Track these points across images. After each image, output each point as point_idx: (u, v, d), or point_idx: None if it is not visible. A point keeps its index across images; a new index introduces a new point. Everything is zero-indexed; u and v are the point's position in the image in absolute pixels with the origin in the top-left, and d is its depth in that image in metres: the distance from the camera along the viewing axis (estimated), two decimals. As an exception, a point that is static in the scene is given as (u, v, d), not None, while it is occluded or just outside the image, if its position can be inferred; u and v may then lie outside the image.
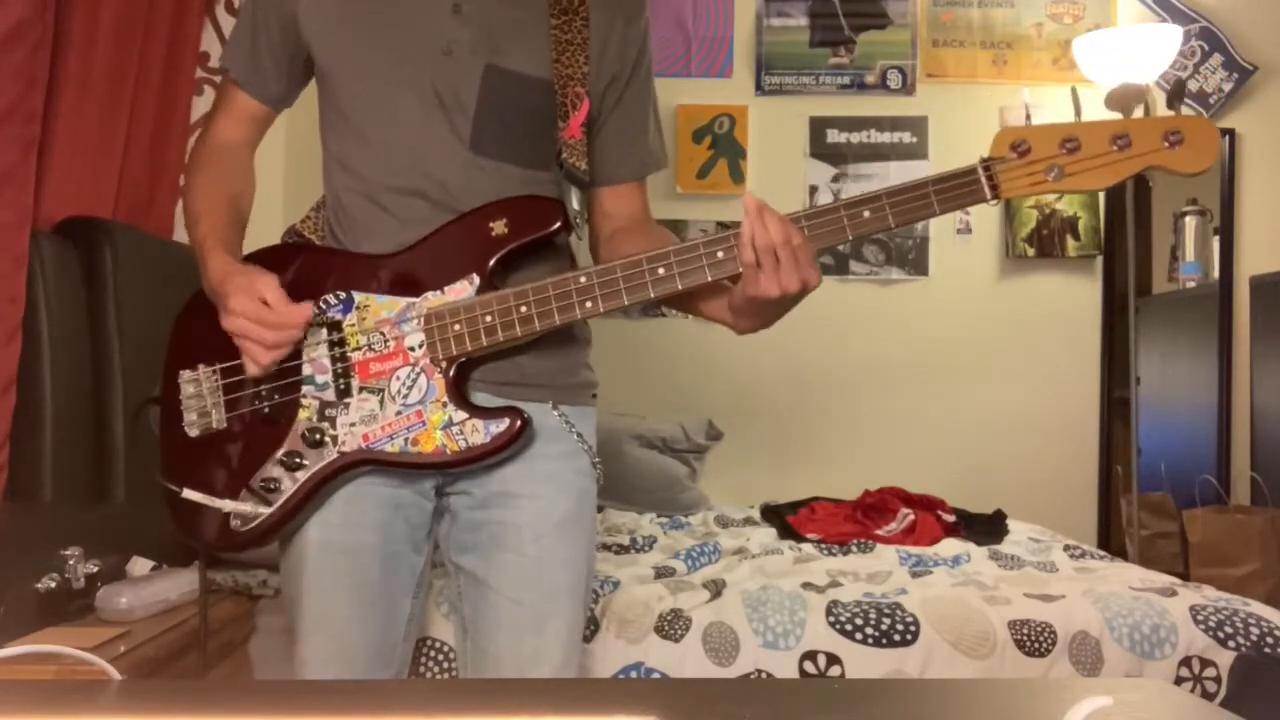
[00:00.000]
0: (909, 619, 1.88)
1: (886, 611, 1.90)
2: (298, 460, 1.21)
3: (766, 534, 2.77)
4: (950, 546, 2.56)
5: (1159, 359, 3.62)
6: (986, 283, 3.51)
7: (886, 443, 3.46)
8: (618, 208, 1.37)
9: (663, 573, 2.21)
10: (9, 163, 1.64)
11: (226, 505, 1.21)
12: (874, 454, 3.43)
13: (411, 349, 1.21)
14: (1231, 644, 1.86)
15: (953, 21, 3.52)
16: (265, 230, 1.38)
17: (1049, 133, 1.13)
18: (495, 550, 1.28)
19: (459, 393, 1.21)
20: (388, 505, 1.26)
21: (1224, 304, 3.44)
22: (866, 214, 1.14)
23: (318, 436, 1.21)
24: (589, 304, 1.18)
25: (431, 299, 1.22)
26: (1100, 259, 3.50)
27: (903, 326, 3.49)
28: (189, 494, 1.22)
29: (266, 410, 1.22)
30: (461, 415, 1.20)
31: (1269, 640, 1.86)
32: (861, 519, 2.89)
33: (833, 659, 1.85)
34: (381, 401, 1.21)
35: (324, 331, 1.22)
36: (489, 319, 1.19)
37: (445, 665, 1.82)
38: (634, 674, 1.83)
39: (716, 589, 2.03)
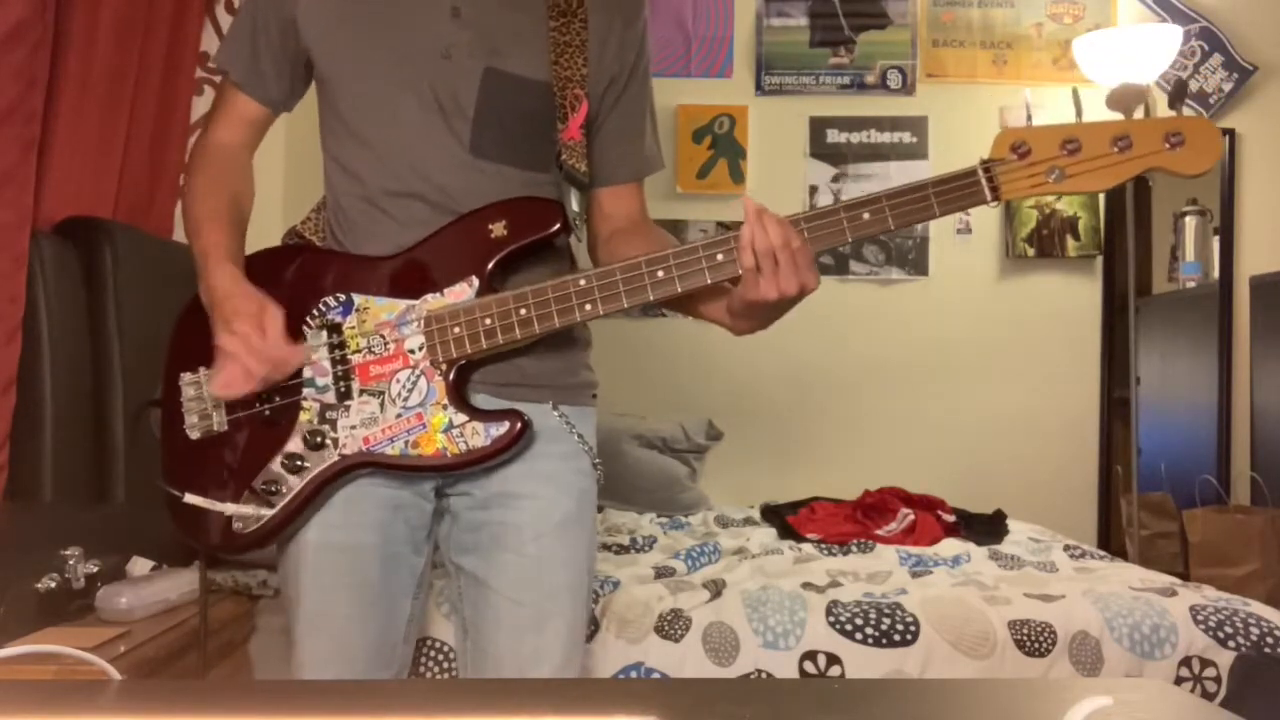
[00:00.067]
0: (909, 619, 1.88)
1: (886, 611, 1.90)
2: (299, 463, 1.21)
3: (766, 534, 2.77)
4: (950, 546, 2.56)
5: (1159, 359, 3.63)
6: (986, 283, 3.51)
7: (886, 443, 3.46)
8: (616, 209, 1.37)
9: (663, 573, 2.21)
10: (9, 163, 1.64)
11: (228, 508, 1.21)
12: (874, 454, 3.43)
13: (411, 351, 1.21)
14: (1231, 644, 1.86)
15: (953, 21, 3.52)
16: (265, 232, 1.38)
17: (1049, 134, 1.13)
18: (496, 550, 1.28)
19: (459, 395, 1.21)
20: (387, 506, 1.26)
21: (1224, 304, 3.44)
22: (866, 216, 1.14)
23: (318, 439, 1.21)
24: (588, 306, 1.18)
25: (431, 301, 1.22)
26: (1100, 259, 3.50)
27: (903, 326, 3.49)
28: (190, 498, 1.22)
29: (267, 413, 1.22)
30: (462, 418, 1.20)
31: (1269, 640, 1.87)
32: (861, 519, 2.89)
33: (833, 659, 1.85)
34: (382, 404, 1.21)
35: (324, 334, 1.22)
36: (489, 321, 1.19)
37: (445, 665, 1.82)
38: (634, 674, 1.83)
39: (716, 589, 2.03)
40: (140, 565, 1.86)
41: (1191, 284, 3.57)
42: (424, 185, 1.25)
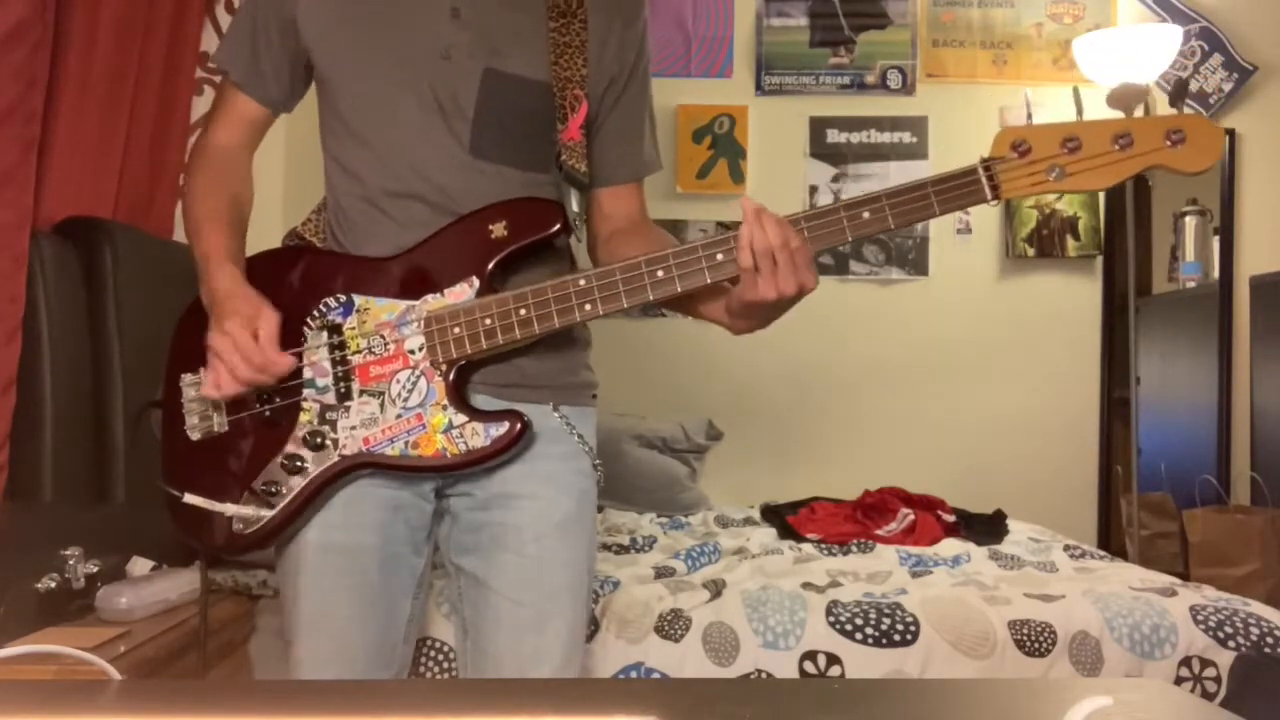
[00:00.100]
0: (909, 619, 1.88)
1: (886, 611, 1.90)
2: (299, 463, 1.21)
3: (766, 534, 2.77)
4: (950, 546, 2.56)
5: (1159, 359, 3.62)
6: (986, 283, 3.51)
7: (886, 443, 3.46)
8: (616, 209, 1.37)
9: (663, 573, 2.21)
10: (9, 163, 1.64)
11: (229, 509, 1.21)
12: (874, 454, 3.43)
13: (411, 352, 1.21)
14: (1231, 644, 1.86)
15: (953, 21, 3.52)
16: (265, 232, 1.38)
17: (1050, 132, 1.13)
18: (496, 551, 1.28)
19: (459, 395, 1.21)
20: (387, 507, 1.26)
21: (1224, 304, 3.44)
22: (866, 215, 1.14)
23: (319, 439, 1.21)
24: (588, 307, 1.18)
25: (431, 302, 1.22)
26: (1100, 259, 3.50)
27: (903, 326, 3.49)
28: (190, 499, 1.22)
29: (267, 414, 1.22)
30: (462, 418, 1.20)
31: (1269, 640, 1.86)
32: (861, 519, 2.89)
33: (833, 659, 1.85)
34: (382, 405, 1.21)
35: (324, 335, 1.22)
36: (488, 322, 1.19)
37: (445, 665, 1.82)
38: (634, 674, 1.83)
39: (716, 589, 2.03)
40: (140, 565, 1.86)
41: (1191, 284, 3.57)
42: (424, 186, 1.25)
